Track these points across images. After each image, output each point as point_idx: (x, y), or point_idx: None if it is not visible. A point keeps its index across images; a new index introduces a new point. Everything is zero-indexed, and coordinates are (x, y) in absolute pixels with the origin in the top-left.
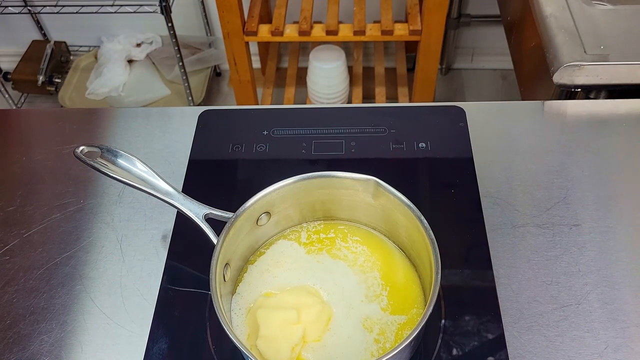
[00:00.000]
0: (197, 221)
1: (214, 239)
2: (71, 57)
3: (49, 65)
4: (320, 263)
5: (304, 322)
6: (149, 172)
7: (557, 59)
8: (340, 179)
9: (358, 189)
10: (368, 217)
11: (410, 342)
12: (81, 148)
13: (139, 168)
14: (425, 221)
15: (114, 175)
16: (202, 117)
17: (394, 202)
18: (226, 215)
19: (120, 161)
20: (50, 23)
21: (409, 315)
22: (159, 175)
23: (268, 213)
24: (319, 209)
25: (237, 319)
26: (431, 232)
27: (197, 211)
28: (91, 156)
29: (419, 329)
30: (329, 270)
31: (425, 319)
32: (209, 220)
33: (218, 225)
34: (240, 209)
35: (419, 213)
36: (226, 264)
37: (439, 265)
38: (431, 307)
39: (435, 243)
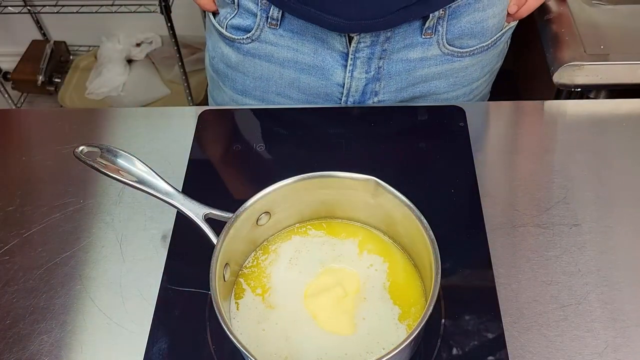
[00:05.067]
0: (197, 221)
1: (214, 239)
2: (71, 57)
3: (48, 65)
4: (318, 261)
5: (350, 293)
6: (149, 172)
7: (557, 58)
8: (340, 179)
9: (358, 189)
10: (368, 217)
11: (410, 342)
12: (81, 148)
13: (139, 168)
14: (425, 221)
15: (113, 175)
16: (202, 117)
17: (394, 202)
18: (226, 215)
19: (120, 161)
20: (50, 23)
21: (409, 315)
22: (159, 175)
23: (268, 213)
24: (319, 209)
25: (236, 318)
26: (431, 232)
27: (197, 211)
28: (91, 156)
29: (419, 328)
30: (325, 267)
31: (426, 319)
32: (209, 220)
33: (218, 226)
34: (240, 209)
35: (418, 213)
36: (226, 264)
37: (438, 265)
38: (431, 307)
39: (435, 243)
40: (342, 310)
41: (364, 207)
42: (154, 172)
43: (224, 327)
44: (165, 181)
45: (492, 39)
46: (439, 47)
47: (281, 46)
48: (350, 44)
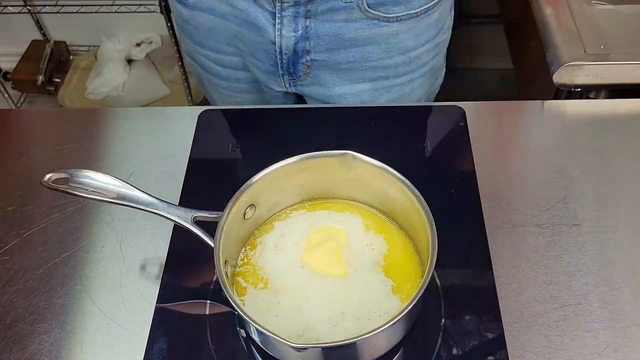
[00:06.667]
0: (187, 225)
1: (207, 240)
2: (71, 57)
3: (48, 65)
4: (305, 230)
5: (341, 245)
6: (126, 186)
7: (557, 58)
8: (318, 159)
9: (336, 166)
10: (362, 195)
11: (406, 314)
12: (48, 176)
13: (114, 184)
14: (407, 180)
15: (91, 197)
16: (202, 117)
17: (373, 171)
18: (214, 215)
19: (92, 182)
20: (50, 23)
21: (405, 288)
22: (136, 188)
23: (253, 205)
24: (306, 192)
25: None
26: (415, 189)
27: (184, 216)
28: (62, 182)
29: (418, 297)
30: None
31: (424, 289)
32: (199, 222)
33: (207, 226)
34: (228, 205)
35: (398, 174)
36: (225, 261)
37: (432, 224)
38: (429, 277)
39: (423, 200)
40: (337, 260)
41: (356, 186)
42: (130, 185)
43: (238, 310)
44: (145, 192)
45: (421, 8)
46: (362, 11)
47: (220, 0)
48: (275, 3)
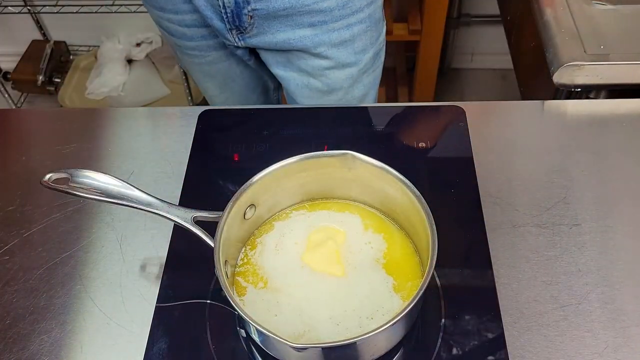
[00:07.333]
0: (187, 225)
1: (207, 240)
2: (71, 57)
3: (48, 65)
4: (304, 230)
5: (339, 245)
6: (125, 186)
7: (557, 58)
8: (317, 159)
9: (336, 166)
10: (362, 195)
11: (406, 314)
12: (48, 176)
13: (114, 184)
14: (407, 180)
15: (90, 197)
16: (202, 117)
17: (373, 171)
18: (214, 215)
19: (92, 182)
20: (50, 23)
21: (406, 287)
22: (136, 188)
23: (253, 205)
24: (306, 192)
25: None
26: (415, 189)
27: (184, 216)
28: (61, 182)
29: (418, 297)
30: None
31: (424, 289)
32: (199, 222)
33: (207, 226)
34: (228, 205)
35: (395, 173)
36: (225, 260)
37: (432, 224)
38: (429, 277)
39: (423, 200)
40: (336, 260)
41: (354, 186)
42: (130, 185)
43: (238, 310)
44: (145, 192)
45: None
46: None
47: None
48: None
